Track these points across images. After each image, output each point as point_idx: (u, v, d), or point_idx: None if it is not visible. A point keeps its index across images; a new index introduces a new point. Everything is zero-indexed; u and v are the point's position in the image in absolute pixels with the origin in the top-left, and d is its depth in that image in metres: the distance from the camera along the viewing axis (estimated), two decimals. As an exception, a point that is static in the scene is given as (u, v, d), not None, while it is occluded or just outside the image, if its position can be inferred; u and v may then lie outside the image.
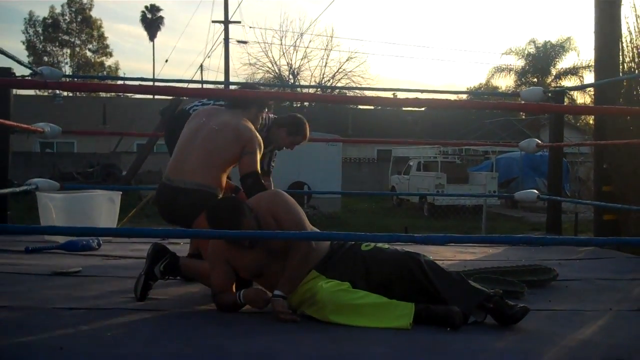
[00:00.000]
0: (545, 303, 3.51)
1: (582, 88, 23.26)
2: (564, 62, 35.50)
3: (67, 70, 49.04)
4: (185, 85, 12.21)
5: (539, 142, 6.17)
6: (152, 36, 59.16)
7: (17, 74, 5.44)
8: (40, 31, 50.91)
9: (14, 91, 6.13)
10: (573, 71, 33.93)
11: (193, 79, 33.27)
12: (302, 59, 37.97)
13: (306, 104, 36.42)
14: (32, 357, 2.40)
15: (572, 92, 30.49)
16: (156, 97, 32.22)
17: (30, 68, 5.36)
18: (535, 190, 6.26)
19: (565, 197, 9.88)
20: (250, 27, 64.54)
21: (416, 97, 4.53)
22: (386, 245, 3.27)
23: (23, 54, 47.50)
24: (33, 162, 22.29)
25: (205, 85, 18.02)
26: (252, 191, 3.46)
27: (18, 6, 66.88)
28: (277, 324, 2.95)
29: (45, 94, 40.81)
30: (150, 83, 9.41)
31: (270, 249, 3.16)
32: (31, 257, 4.64)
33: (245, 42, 34.74)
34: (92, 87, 3.03)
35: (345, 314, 2.96)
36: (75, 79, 20.91)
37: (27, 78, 5.39)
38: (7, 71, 5.40)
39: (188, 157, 3.58)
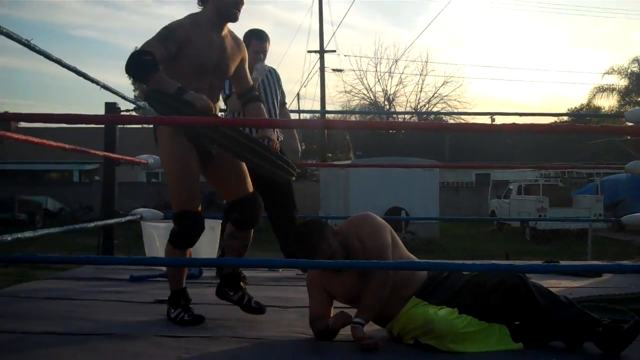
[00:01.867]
0: (657, 333, 3.33)
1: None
2: (670, 80, 34.03)
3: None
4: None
5: (646, 163, 5.91)
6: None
7: (122, 108, 5.66)
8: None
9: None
10: (680, 90, 32.51)
11: (290, 108, 33.78)
12: (397, 85, 38.07)
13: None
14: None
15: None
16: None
17: (133, 102, 5.57)
18: (646, 213, 6.00)
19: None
20: (346, 55, 65.00)
21: (514, 123, 4.42)
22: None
23: (129, 89, 49.48)
24: (139, 192, 23.18)
25: (302, 115, 18.31)
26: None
27: (125, 42, 69.92)
28: (377, 354, 2.92)
29: (151, 126, 42.38)
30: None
31: (362, 272, 3.14)
32: (135, 285, 4.78)
33: (340, 70, 35.20)
34: (187, 120, 3.13)
35: (461, 342, 2.93)
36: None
37: (129, 113, 5.60)
38: (113, 106, 5.63)
39: None
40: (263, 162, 3.36)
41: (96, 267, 5.46)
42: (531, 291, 2.96)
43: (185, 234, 3.44)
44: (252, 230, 3.71)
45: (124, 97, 5.31)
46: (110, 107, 5.62)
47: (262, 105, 3.78)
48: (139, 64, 3.16)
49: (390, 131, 36.03)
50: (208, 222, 6.03)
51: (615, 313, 3.46)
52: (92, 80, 4.44)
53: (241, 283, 3.67)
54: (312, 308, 3.24)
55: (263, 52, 4.99)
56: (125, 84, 54.14)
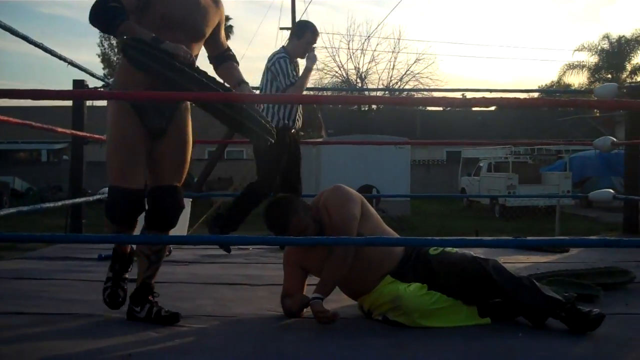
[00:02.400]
0: (622, 306, 3.39)
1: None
2: (640, 57, 34.41)
3: (141, 81, 50.18)
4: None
5: (614, 139, 5.98)
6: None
7: (90, 86, 5.58)
8: (115, 44, 52.26)
9: (90, 102, 6.30)
10: (649, 66, 32.89)
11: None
12: (369, 63, 38.04)
13: (374, 107, 36.35)
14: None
15: (648, 88, 29.47)
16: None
17: (102, 80, 5.50)
18: (611, 190, 6.08)
19: (643, 196, 9.53)
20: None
21: (483, 97, 4.44)
22: (454, 250, 3.20)
23: (98, 67, 48.76)
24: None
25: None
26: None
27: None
28: (343, 330, 2.93)
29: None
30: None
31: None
32: (104, 265, 4.73)
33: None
34: (160, 96, 3.07)
35: (430, 318, 2.96)
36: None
37: (99, 89, 5.53)
38: (81, 83, 5.55)
39: None
40: (247, 121, 3.07)
41: (64, 247, 5.40)
42: (493, 279, 2.98)
43: (115, 209, 3.08)
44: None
45: (92, 74, 5.24)
46: (79, 84, 5.55)
47: (236, 64, 3.43)
48: (105, 11, 2.81)
49: (362, 109, 36.03)
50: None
51: (582, 287, 3.52)
52: (60, 57, 4.37)
53: (150, 297, 3.14)
54: (285, 284, 3.25)
55: (314, 44, 5.20)
56: (95, 62, 53.43)
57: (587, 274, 3.81)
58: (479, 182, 20.66)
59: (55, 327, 2.97)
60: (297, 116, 5.19)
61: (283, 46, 5.23)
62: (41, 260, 4.87)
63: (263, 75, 5.20)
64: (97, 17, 2.84)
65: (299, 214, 3.08)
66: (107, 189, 5.37)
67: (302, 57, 5.22)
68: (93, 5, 2.84)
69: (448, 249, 3.18)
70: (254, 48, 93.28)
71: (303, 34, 5.10)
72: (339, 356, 2.59)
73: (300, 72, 5.20)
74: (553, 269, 4.03)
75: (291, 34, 5.18)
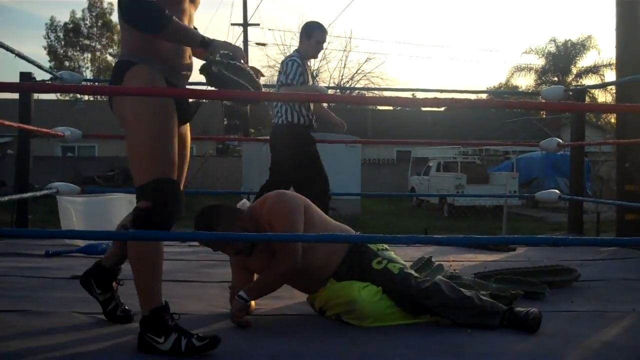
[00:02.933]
0: (567, 304, 3.47)
1: (603, 86, 22.94)
2: (585, 61, 35.14)
3: (89, 74, 49.33)
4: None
5: (560, 141, 6.11)
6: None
7: (37, 79, 5.47)
8: (62, 36, 51.29)
9: (36, 96, 6.17)
10: (594, 70, 33.58)
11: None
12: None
13: (325, 105, 36.40)
14: (52, 360, 2.41)
15: (593, 91, 30.12)
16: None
17: (50, 72, 5.39)
18: (557, 190, 6.22)
19: (587, 196, 9.77)
20: (270, 30, 64.71)
21: (435, 97, 4.50)
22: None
23: (45, 59, 47.83)
24: (55, 167, 22.44)
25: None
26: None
27: (39, 12, 67.46)
28: (295, 326, 2.94)
29: (67, 98, 41.13)
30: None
31: (273, 252, 3.10)
32: (51, 261, 4.66)
33: (264, 45, 34.81)
34: (111, 90, 3.00)
35: (384, 322, 3.00)
36: (96, 83, 21.06)
37: (47, 82, 5.41)
38: (28, 76, 5.44)
39: None
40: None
41: (9, 243, 5.29)
42: (423, 304, 3.00)
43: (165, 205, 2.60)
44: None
45: (39, 67, 5.13)
46: (26, 76, 5.43)
47: None
48: (149, 10, 2.48)
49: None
50: (127, 197, 5.96)
51: (529, 285, 3.60)
52: (6, 48, 4.26)
53: (114, 284, 3.02)
54: (232, 281, 3.26)
55: (324, 42, 5.25)
56: (41, 54, 52.37)
57: (533, 272, 3.88)
58: (428, 181, 20.86)
59: (2, 325, 2.90)
60: (309, 114, 5.18)
61: (296, 49, 5.23)
62: (-15, 256, 4.76)
63: None
64: (140, 18, 2.52)
65: (224, 226, 2.97)
66: (57, 183, 5.29)
67: (315, 57, 5.35)
68: (128, 4, 2.52)
69: (391, 265, 3.13)
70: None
71: (312, 33, 5.13)
72: (290, 352, 2.59)
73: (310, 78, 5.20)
74: (500, 268, 4.10)
75: (300, 35, 5.17)
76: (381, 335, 2.83)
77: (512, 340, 2.79)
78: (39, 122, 5.67)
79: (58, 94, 41.64)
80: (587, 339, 2.82)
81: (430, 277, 3.30)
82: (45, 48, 51.07)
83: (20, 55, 4.55)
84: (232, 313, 2.98)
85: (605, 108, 13.02)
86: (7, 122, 4.66)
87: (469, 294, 3.02)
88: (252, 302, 3.12)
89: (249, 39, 30.80)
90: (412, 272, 3.16)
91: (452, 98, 4.18)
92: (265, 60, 43.48)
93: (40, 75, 5.44)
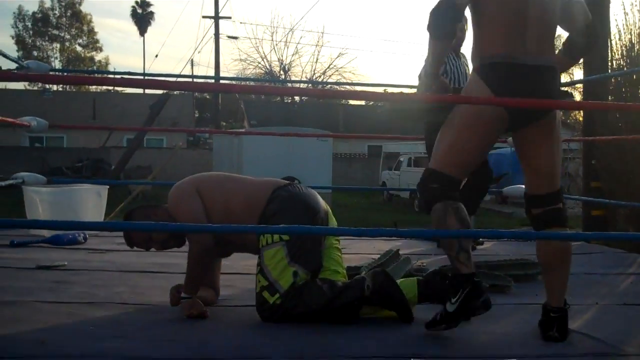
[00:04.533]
0: (532, 297, 3.50)
1: (571, 84, 23.07)
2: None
3: (57, 64, 48.81)
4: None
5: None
6: (142, 31, 58.86)
7: (3, 68, 5.38)
8: (30, 26, 50.66)
9: (3, 86, 6.08)
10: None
11: (183, 73, 33.23)
12: (293, 55, 38.06)
13: (297, 99, 36.42)
14: (15, 350, 2.38)
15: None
16: (146, 91, 32.16)
17: (16, 62, 5.30)
18: (523, 186, 6.26)
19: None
20: (241, 23, 64.69)
21: (401, 92, 4.51)
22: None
23: (12, 49, 47.11)
24: (22, 157, 22.15)
25: (195, 80, 18.04)
26: None
27: (7, 1, 66.42)
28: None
29: (35, 88, 40.61)
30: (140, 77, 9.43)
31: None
32: (16, 251, 4.61)
33: (235, 38, 34.80)
34: (77, 79, 2.96)
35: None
36: (64, 73, 20.85)
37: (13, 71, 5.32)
38: (-6, 65, 5.35)
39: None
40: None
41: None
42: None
43: None
44: None
45: (5, 56, 5.04)
46: (-9, 65, 5.34)
47: None
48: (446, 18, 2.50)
49: (286, 101, 36.00)
50: (94, 188, 5.91)
51: (494, 279, 3.63)
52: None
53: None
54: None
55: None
56: (8, 44, 51.60)
57: (499, 265, 3.92)
58: (399, 176, 20.96)
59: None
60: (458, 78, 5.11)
61: None
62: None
63: None
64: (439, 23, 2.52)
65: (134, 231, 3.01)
66: (22, 174, 5.22)
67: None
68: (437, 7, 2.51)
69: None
70: (174, 36, 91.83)
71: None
72: (255, 343, 2.59)
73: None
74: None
75: None
76: (349, 327, 2.83)
77: (475, 331, 2.81)
78: (6, 111, 5.59)
79: (26, 84, 41.13)
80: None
81: (396, 270, 3.32)
82: (13, 37, 50.40)
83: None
84: (185, 314, 2.91)
85: (573, 105, 13.07)
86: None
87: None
88: (212, 293, 3.13)
89: (220, 32, 30.63)
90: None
91: (422, 94, 4.19)
92: (237, 53, 43.12)
93: (6, 65, 5.35)
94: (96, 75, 21.33)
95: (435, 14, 2.51)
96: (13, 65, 5.40)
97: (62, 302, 3.08)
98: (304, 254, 2.86)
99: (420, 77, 4.57)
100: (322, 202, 3.14)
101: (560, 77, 2.74)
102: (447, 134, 2.69)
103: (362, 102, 37.93)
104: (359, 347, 2.57)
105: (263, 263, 2.88)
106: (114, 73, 12.44)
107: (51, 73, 2.85)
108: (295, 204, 2.98)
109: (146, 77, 7.92)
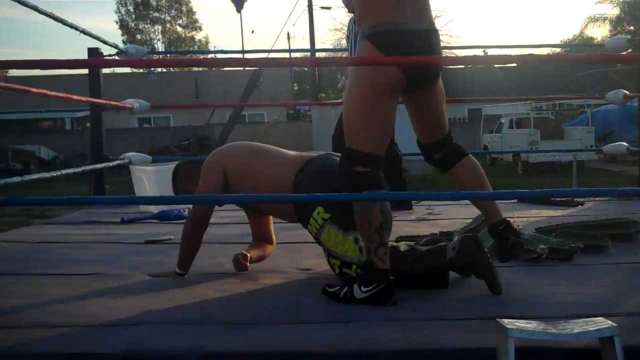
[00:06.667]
0: (630, 256, 3.44)
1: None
2: (664, 8, 33.51)
3: (160, 46, 50.20)
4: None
5: (626, 92, 5.91)
6: (239, 8, 59.61)
7: (104, 54, 5.65)
8: (132, 10, 52.15)
9: (111, 70, 6.39)
10: (673, 16, 32.02)
11: (281, 48, 33.48)
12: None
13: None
14: (129, 320, 2.53)
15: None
16: (246, 69, 32.69)
17: (115, 47, 5.57)
18: (625, 143, 6.06)
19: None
20: (334, -9, 63.96)
21: (507, 54, 4.47)
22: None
23: (117, 34, 48.77)
24: (131, 138, 23.10)
25: (293, 54, 18.24)
26: None
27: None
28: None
29: (140, 71, 42.01)
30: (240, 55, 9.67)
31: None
32: (126, 227, 4.87)
33: (329, 8, 34.50)
34: (171, 62, 3.11)
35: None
36: (162, 56, 21.46)
37: (113, 57, 5.58)
38: (95, 51, 5.64)
39: None
40: None
41: (88, 212, 5.56)
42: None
43: None
44: None
45: (105, 42, 5.31)
46: (93, 52, 5.63)
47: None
48: None
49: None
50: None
51: (590, 239, 3.58)
52: (71, 26, 4.44)
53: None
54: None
55: None
56: (111, 29, 53.43)
57: (595, 225, 3.86)
58: (501, 138, 20.56)
59: (76, 285, 3.08)
60: None
61: None
62: (65, 225, 5.02)
63: None
64: None
65: (182, 182, 3.42)
66: (129, 154, 5.50)
67: None
68: None
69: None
70: (269, 10, 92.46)
71: None
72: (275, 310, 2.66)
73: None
74: (564, 222, 4.07)
75: None
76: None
77: (562, 292, 2.80)
78: (113, 95, 5.88)
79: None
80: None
81: (488, 235, 3.32)
82: (117, 22, 52.07)
83: (84, 32, 4.73)
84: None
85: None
86: (76, 97, 4.85)
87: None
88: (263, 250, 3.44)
89: (314, 2, 30.62)
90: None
91: (522, 55, 4.15)
92: (332, 23, 42.99)
93: (108, 50, 5.62)
94: (192, 55, 21.82)
95: None
96: (113, 51, 5.68)
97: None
98: (352, 218, 2.77)
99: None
100: None
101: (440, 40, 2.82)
102: (354, 109, 2.72)
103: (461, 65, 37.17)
104: (431, 307, 2.62)
105: (326, 248, 2.93)
106: (209, 52, 12.69)
107: (151, 56, 3.02)
108: (319, 181, 2.97)
109: (243, 56, 8.07)
